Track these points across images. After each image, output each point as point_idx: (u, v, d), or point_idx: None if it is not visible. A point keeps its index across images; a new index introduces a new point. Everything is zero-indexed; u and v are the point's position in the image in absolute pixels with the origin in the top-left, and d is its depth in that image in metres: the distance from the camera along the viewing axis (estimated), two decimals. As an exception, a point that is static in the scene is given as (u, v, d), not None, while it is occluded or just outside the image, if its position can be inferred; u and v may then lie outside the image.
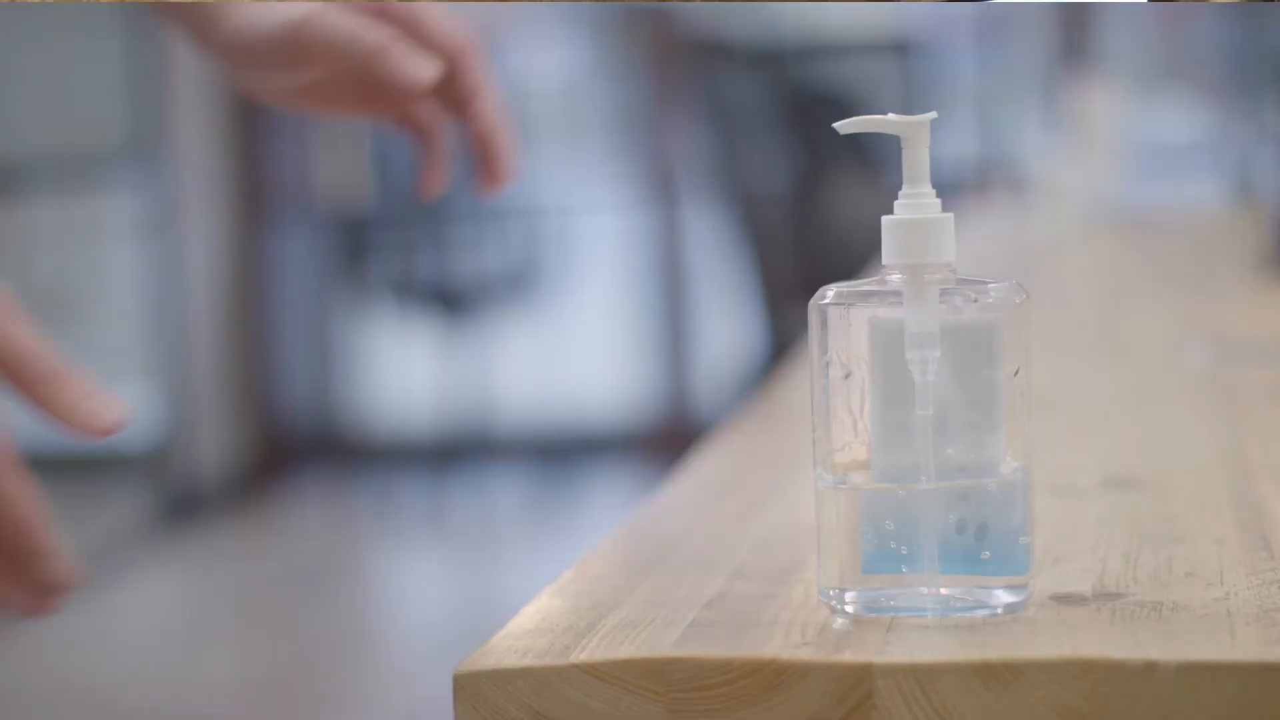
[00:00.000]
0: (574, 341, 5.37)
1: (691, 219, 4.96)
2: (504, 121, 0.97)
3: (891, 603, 0.70)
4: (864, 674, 0.65)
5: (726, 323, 4.75)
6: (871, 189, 3.62)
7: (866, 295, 0.71)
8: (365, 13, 0.92)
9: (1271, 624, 0.66)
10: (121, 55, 4.75)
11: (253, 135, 5.11)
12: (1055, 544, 0.79)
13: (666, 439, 4.89)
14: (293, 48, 0.92)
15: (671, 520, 0.93)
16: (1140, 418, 1.16)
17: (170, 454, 4.80)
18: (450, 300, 5.06)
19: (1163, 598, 0.71)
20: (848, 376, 0.71)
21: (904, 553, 0.70)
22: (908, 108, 0.74)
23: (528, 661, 0.68)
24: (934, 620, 0.69)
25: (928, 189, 0.71)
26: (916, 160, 0.71)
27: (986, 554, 0.70)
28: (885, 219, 0.71)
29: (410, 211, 5.13)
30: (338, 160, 5.24)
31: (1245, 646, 0.64)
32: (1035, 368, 0.72)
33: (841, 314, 0.71)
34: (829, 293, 0.71)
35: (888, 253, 0.71)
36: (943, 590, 0.70)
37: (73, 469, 4.35)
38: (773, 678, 0.66)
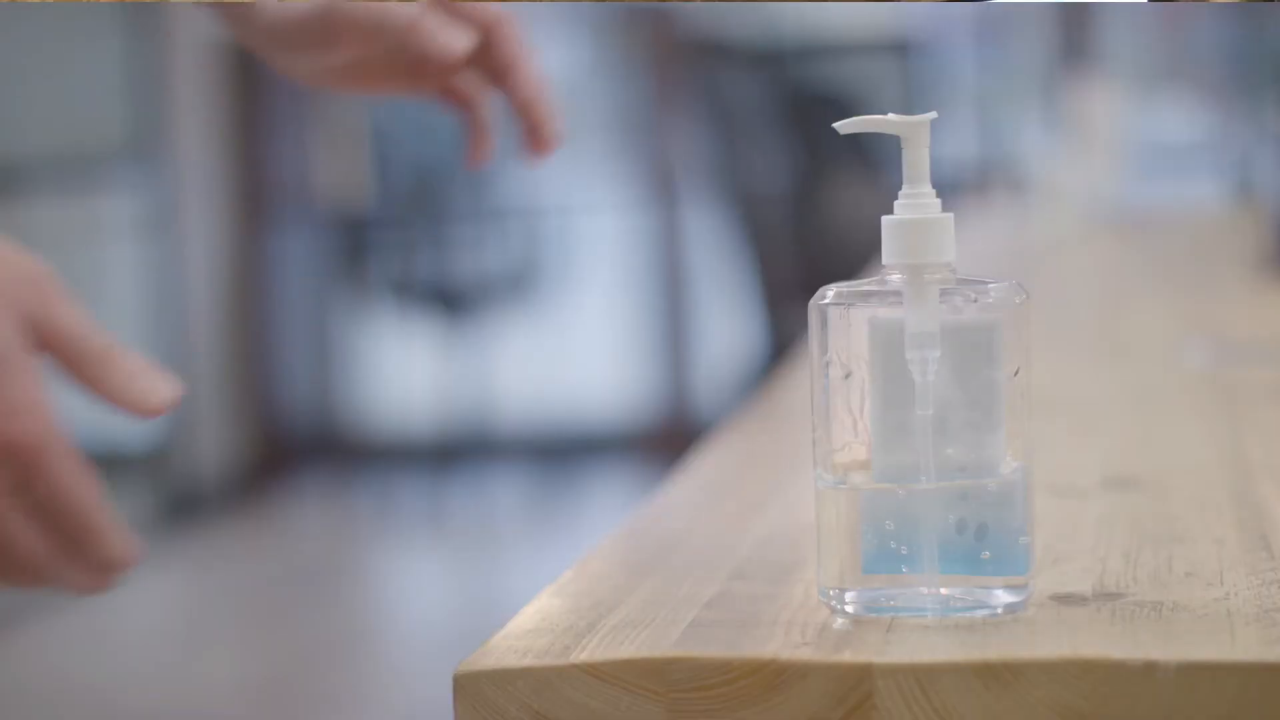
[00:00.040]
0: (574, 341, 5.37)
1: (691, 219, 4.96)
2: (545, 89, 0.97)
3: (891, 603, 0.70)
4: (864, 674, 0.65)
5: (726, 323, 4.75)
6: (871, 189, 3.63)
7: (866, 295, 0.71)
8: None
9: (1271, 624, 0.66)
10: (121, 55, 4.75)
11: (253, 135, 5.11)
12: (1055, 544, 0.79)
13: (666, 439, 4.89)
14: (324, 29, 0.93)
15: (671, 520, 0.93)
16: (1140, 418, 1.16)
17: (170, 454, 4.80)
18: (450, 300, 5.05)
19: (1163, 598, 0.71)
20: (848, 376, 0.71)
21: (904, 553, 0.70)
22: (908, 108, 0.74)
23: (528, 661, 0.68)
24: (934, 620, 0.69)
25: (928, 189, 0.71)
26: (916, 160, 0.71)
27: (986, 554, 0.70)
28: (885, 219, 0.71)
29: (410, 211, 5.13)
30: (338, 160, 5.23)
31: (1245, 646, 0.64)
32: (1035, 368, 0.72)
33: (841, 314, 0.71)
34: (829, 293, 0.71)
35: (888, 253, 0.71)
36: (943, 590, 0.70)
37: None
38: (773, 678, 0.66)
